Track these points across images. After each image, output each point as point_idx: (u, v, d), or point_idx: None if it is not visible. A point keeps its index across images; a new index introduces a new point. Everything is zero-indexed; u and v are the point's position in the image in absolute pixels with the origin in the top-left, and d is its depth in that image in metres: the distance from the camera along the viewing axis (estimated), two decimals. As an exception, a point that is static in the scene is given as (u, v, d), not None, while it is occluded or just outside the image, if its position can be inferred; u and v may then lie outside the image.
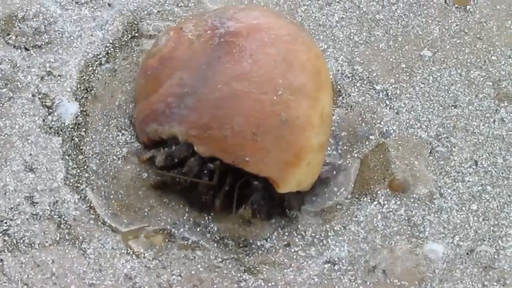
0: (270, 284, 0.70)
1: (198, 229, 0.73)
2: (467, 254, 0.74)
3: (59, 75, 0.81)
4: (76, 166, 0.76)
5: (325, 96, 0.72)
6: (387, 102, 0.83)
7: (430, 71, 0.86)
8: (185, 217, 0.74)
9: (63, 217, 0.72)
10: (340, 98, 0.83)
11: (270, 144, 0.67)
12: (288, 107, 0.67)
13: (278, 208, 0.74)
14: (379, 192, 0.78)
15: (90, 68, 0.82)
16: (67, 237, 0.71)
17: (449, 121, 0.82)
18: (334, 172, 0.79)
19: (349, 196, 0.78)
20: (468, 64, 0.87)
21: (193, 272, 0.70)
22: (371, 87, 0.84)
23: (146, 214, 0.73)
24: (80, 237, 0.71)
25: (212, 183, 0.69)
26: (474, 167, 0.80)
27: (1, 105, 0.78)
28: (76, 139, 0.78)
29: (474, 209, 0.77)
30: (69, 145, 0.77)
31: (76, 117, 0.79)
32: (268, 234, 0.74)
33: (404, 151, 0.80)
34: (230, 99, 0.67)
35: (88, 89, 0.81)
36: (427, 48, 0.88)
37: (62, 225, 0.71)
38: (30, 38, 0.83)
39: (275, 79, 0.68)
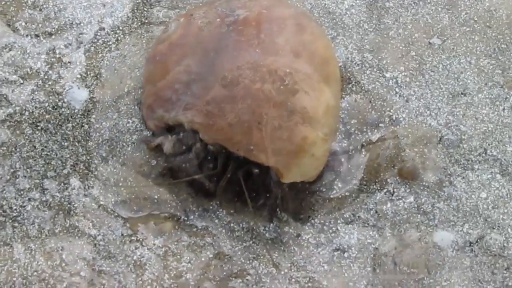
0: (279, 271, 0.71)
1: (207, 215, 0.73)
2: (477, 242, 0.74)
3: (68, 62, 0.81)
4: (85, 153, 0.76)
5: (332, 87, 0.72)
6: (397, 90, 0.83)
7: (440, 59, 0.86)
8: (194, 204, 0.74)
9: (73, 203, 0.72)
10: (350, 86, 0.83)
11: (274, 133, 0.66)
12: (294, 97, 0.67)
13: (273, 204, 0.74)
14: (388, 179, 0.77)
15: (100, 55, 0.82)
16: (77, 224, 0.71)
17: (458, 109, 0.82)
18: (343, 160, 0.79)
19: (359, 184, 0.77)
20: (478, 52, 0.87)
21: (202, 259, 0.70)
22: (381, 75, 0.84)
23: (155, 201, 0.73)
24: (90, 224, 0.71)
25: (215, 171, 0.70)
26: (483, 155, 0.79)
27: (11, 92, 0.78)
28: (86, 126, 0.77)
29: (484, 197, 0.77)
30: (78, 132, 0.77)
31: (86, 104, 0.79)
32: (277, 222, 0.74)
33: (414, 139, 0.80)
34: (236, 87, 0.66)
35: (98, 76, 0.81)
36: (436, 36, 0.88)
37: (72, 212, 0.72)
38: (40, 25, 0.83)
39: (282, 69, 0.67)
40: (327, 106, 0.70)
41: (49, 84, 0.79)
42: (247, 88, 0.66)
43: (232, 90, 0.67)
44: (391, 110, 0.81)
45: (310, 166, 0.72)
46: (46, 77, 0.79)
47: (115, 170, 0.75)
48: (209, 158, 0.70)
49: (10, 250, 0.68)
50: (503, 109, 0.83)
